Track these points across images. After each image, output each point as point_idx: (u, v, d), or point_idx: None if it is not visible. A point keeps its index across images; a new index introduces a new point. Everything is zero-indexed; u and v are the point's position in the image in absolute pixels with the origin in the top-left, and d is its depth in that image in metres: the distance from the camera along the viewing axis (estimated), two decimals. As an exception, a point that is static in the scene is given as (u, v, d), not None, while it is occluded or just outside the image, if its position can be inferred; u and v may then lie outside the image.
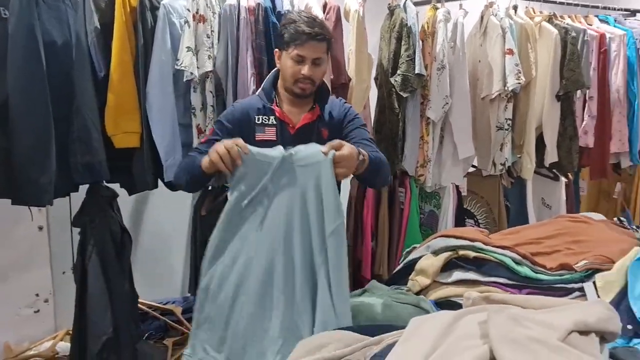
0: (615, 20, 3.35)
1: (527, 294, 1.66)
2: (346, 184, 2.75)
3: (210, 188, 2.47)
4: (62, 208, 2.31)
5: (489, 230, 2.36)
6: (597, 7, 3.38)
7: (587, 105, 3.14)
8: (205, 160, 1.63)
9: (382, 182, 1.94)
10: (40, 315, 2.80)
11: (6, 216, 2.50)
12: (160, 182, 2.34)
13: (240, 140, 1.58)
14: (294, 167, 1.58)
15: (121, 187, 2.35)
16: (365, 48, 2.54)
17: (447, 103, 2.66)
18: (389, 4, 2.67)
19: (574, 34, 2.94)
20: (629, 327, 1.54)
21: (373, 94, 2.76)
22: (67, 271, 2.69)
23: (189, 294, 2.88)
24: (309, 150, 1.60)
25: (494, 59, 2.75)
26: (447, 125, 2.76)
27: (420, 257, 1.90)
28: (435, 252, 1.85)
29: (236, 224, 1.59)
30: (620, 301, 1.62)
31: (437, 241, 1.89)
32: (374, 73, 2.74)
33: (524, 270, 1.71)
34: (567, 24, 3.04)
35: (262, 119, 1.85)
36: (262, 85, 1.93)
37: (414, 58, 2.53)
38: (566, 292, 1.68)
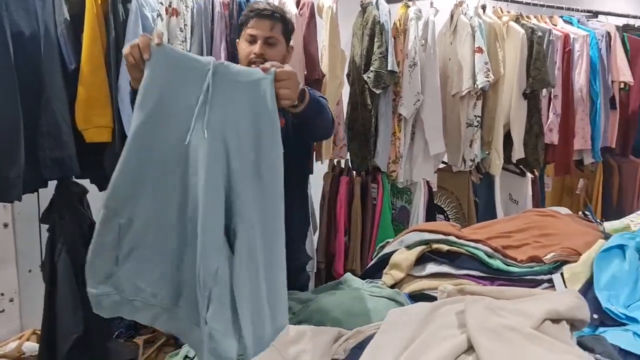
0: (578, 21, 3.46)
1: (499, 285, 1.70)
2: (318, 180, 2.76)
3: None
4: (28, 204, 2.25)
5: (461, 227, 2.41)
6: (562, 8, 3.48)
7: (552, 103, 3.22)
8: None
9: (324, 128, 1.75)
10: (5, 315, 2.73)
11: (-31, 213, 2.44)
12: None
13: (147, 34, 1.32)
14: (226, 81, 1.27)
15: (92, 182, 2.31)
16: (338, 44, 2.56)
17: (419, 100, 2.70)
18: (362, 1, 2.70)
19: (540, 33, 3.02)
20: (595, 316, 1.59)
21: (345, 90, 2.77)
22: (34, 269, 2.62)
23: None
24: (245, 67, 1.37)
25: (464, 57, 2.80)
26: (419, 121, 2.80)
27: (393, 252, 1.92)
28: (409, 247, 1.87)
29: (144, 149, 1.28)
30: (587, 291, 1.68)
31: (411, 235, 1.92)
32: (346, 70, 2.75)
33: (496, 263, 1.75)
34: (534, 24, 3.13)
35: None
36: None
37: (387, 55, 2.56)
38: (536, 284, 1.73)
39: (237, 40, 1.83)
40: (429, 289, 1.76)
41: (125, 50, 1.29)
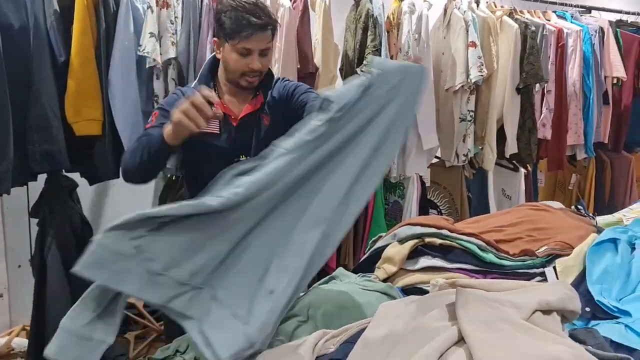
0: (572, 17, 3.46)
1: (492, 279, 1.70)
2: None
3: (173, 178, 2.43)
4: (18, 198, 2.23)
5: (453, 221, 2.41)
6: (555, 3, 3.48)
7: (545, 98, 3.23)
8: (167, 129, 1.44)
9: None
10: (-6, 311, 2.71)
11: (-43, 207, 2.41)
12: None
13: (204, 90, 1.39)
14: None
15: (82, 176, 2.29)
16: (331, 38, 2.54)
17: (412, 94, 2.69)
18: (355, -5, 2.68)
19: (533, 28, 3.01)
20: (587, 309, 1.59)
21: (338, 85, 2.76)
22: (23, 264, 2.59)
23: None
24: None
25: (457, 51, 2.79)
26: (412, 116, 2.79)
27: (386, 246, 1.91)
28: (402, 240, 1.86)
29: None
30: (579, 285, 1.68)
31: (404, 229, 1.91)
32: (339, 64, 2.74)
33: (489, 256, 1.74)
34: (527, 18, 3.12)
35: None
36: (199, 75, 1.76)
37: (380, 49, 2.54)
38: (529, 277, 1.73)
39: (215, 39, 1.70)
40: (421, 282, 1.75)
41: (177, 116, 1.37)
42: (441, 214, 3.10)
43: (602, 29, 3.38)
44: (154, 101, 2.24)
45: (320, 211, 1.36)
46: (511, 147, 3.07)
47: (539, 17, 3.26)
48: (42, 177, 2.16)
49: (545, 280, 1.72)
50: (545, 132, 3.23)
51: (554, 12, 3.42)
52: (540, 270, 1.74)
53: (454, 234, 1.81)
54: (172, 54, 2.16)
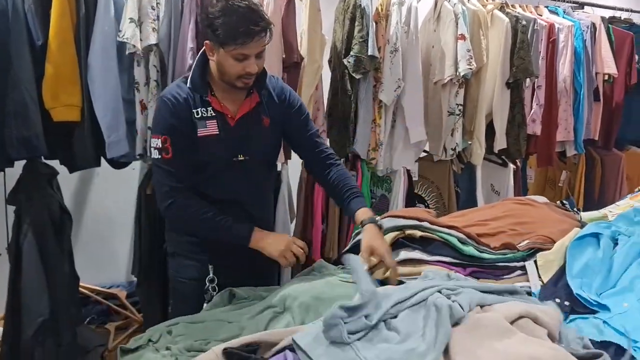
0: (564, 12, 3.43)
1: (472, 272, 1.68)
2: (297, 165, 2.71)
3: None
4: (-6, 185, 2.20)
5: (439, 216, 2.38)
6: (547, -2, 3.46)
7: (535, 93, 3.20)
8: (257, 240, 1.73)
9: None
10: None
11: None
12: (104, 160, 2.25)
13: (295, 239, 1.75)
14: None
15: (61, 164, 2.25)
16: (318, 28, 2.51)
17: (400, 86, 2.66)
18: (343, -16, 2.64)
19: (524, 22, 2.98)
20: (567, 303, 1.58)
21: (326, 76, 2.73)
22: (2, 253, 2.56)
23: (133, 278, 2.80)
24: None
25: (447, 43, 2.76)
26: (400, 109, 2.76)
27: (368, 238, 1.89)
28: (383, 232, 1.85)
29: None
30: (559, 279, 1.66)
31: (385, 221, 1.89)
32: (328, 55, 2.71)
33: (469, 249, 1.73)
34: (518, 12, 3.09)
35: (201, 112, 1.70)
36: (190, 75, 1.74)
37: (367, 40, 2.51)
38: (509, 271, 1.71)
39: (207, 42, 1.67)
40: (401, 274, 1.73)
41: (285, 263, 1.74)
42: (429, 209, 3.08)
43: (594, 25, 3.35)
44: (135, 88, 2.20)
45: None
46: (500, 142, 3.04)
47: (531, 12, 3.23)
48: (20, 164, 2.12)
49: (525, 274, 1.70)
50: (535, 127, 3.21)
51: (546, 7, 3.39)
52: (521, 264, 1.73)
53: (434, 227, 1.79)
54: (152, 40, 2.12)
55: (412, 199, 2.91)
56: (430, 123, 2.89)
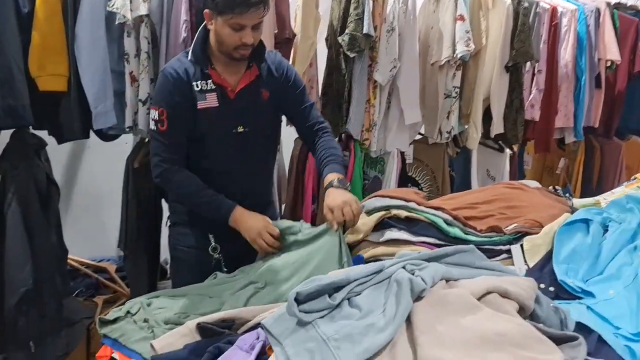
0: (568, -5, 3.35)
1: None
2: (289, 143, 2.69)
3: (147, 140, 2.37)
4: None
5: (433, 199, 2.36)
6: (553, -19, 3.37)
7: (535, 78, 3.14)
8: (237, 218, 1.74)
9: None
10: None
11: None
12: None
13: (270, 228, 1.71)
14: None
15: (49, 134, 2.23)
16: (313, 4, 2.46)
17: (395, 67, 2.62)
18: (341, -39, 2.59)
19: (526, 5, 2.92)
20: (551, 289, 1.56)
21: (323, 54, 2.69)
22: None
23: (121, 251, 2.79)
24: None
25: (445, 24, 2.71)
26: (395, 89, 2.72)
27: (355, 217, 1.88)
28: (369, 212, 1.83)
29: None
30: (545, 264, 1.64)
31: (372, 201, 1.87)
32: (325, 33, 2.66)
33: (455, 230, 1.71)
34: (521, -5, 3.02)
35: (201, 85, 1.76)
36: (192, 48, 1.79)
37: (363, 17, 2.46)
38: (494, 254, 1.69)
39: (207, 12, 1.71)
40: (385, 255, 1.71)
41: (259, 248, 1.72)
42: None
43: (598, 10, 3.28)
44: (124, 60, 2.17)
45: None
46: (497, 127, 3.00)
47: (534, -6, 3.16)
48: (7, 134, 2.10)
49: (511, 257, 1.68)
50: (533, 113, 3.16)
51: (551, -10, 3.31)
52: (507, 247, 1.70)
53: (420, 207, 1.77)
54: (143, 10, 2.08)
55: (405, 181, 2.89)
56: (426, 105, 2.85)
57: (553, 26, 3.10)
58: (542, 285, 1.55)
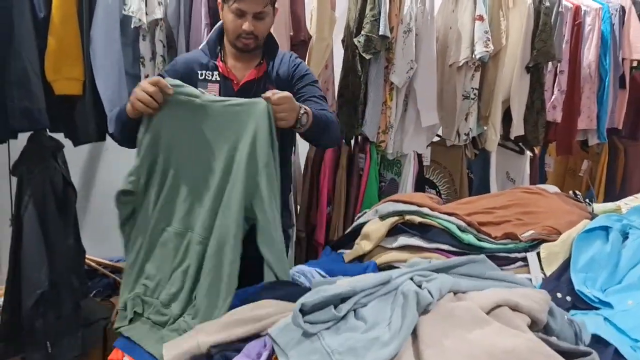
0: (592, -7, 3.27)
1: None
2: (304, 146, 2.67)
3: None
4: (-1, 157, 2.21)
5: (450, 201, 2.32)
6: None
7: (557, 79, 3.07)
8: (128, 105, 1.52)
9: (329, 142, 1.86)
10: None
11: None
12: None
13: (161, 80, 1.47)
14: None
15: (65, 137, 2.25)
16: (328, 5, 2.44)
17: (412, 68, 2.58)
18: (358, -38, 2.56)
19: (548, 4, 2.85)
20: (568, 298, 1.51)
21: (339, 55, 2.66)
22: (4, 224, 2.58)
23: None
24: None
25: (464, 24, 2.66)
26: (412, 91, 2.68)
27: (367, 222, 1.85)
28: (383, 217, 1.81)
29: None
30: (562, 273, 1.60)
31: (386, 206, 1.85)
32: (340, 34, 2.64)
33: (468, 237, 1.67)
34: (542, -7, 2.96)
35: (206, 75, 1.76)
36: (207, 39, 1.83)
37: (379, 18, 2.43)
38: (509, 262, 1.65)
39: (219, 0, 1.75)
40: (397, 261, 1.69)
41: (133, 101, 1.46)
42: (440, 195, 3.01)
43: (623, 8, 3.19)
44: (140, 63, 2.18)
45: None
46: (517, 129, 2.94)
47: (556, -7, 3.09)
48: (25, 136, 2.13)
49: (527, 265, 1.64)
50: (555, 114, 3.09)
51: (574, -12, 3.23)
52: (522, 255, 1.66)
53: (434, 213, 1.74)
54: (158, 14, 2.09)
55: (422, 184, 2.85)
56: (444, 107, 2.81)
57: (576, 26, 3.03)
58: (559, 295, 1.51)
